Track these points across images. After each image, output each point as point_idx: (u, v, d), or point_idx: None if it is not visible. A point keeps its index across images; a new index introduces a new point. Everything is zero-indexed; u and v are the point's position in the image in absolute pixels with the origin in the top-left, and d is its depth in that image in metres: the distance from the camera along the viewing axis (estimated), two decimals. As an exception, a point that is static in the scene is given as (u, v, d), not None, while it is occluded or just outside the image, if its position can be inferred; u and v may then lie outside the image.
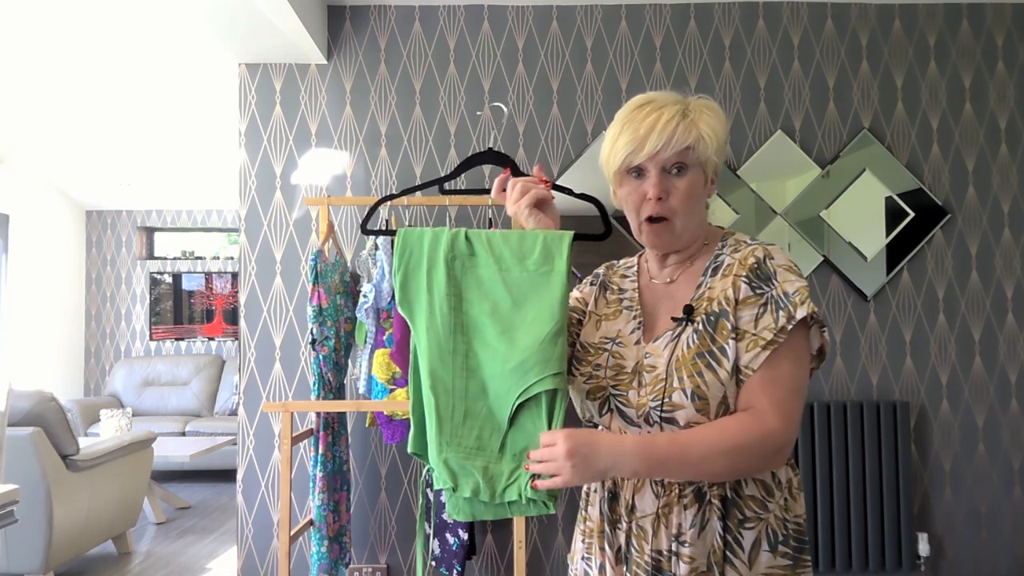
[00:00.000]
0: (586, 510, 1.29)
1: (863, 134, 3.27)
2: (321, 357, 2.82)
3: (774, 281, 1.15)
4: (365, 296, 2.82)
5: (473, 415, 1.22)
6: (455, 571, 2.92)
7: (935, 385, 3.26)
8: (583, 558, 1.28)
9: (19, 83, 4.41)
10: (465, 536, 2.91)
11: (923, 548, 3.15)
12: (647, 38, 3.29)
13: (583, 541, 1.28)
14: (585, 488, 1.31)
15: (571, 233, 1.24)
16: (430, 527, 2.97)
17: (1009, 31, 3.32)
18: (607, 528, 1.22)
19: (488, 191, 1.53)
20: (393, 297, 1.91)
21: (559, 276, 1.22)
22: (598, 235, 1.37)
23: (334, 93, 3.28)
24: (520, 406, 1.20)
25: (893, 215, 3.27)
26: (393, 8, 3.28)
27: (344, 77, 3.28)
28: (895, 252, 3.26)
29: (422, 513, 1.28)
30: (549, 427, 1.18)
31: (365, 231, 1.45)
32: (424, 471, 1.27)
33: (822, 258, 3.25)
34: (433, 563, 2.98)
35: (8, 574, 3.42)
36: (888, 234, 3.26)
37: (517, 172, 1.41)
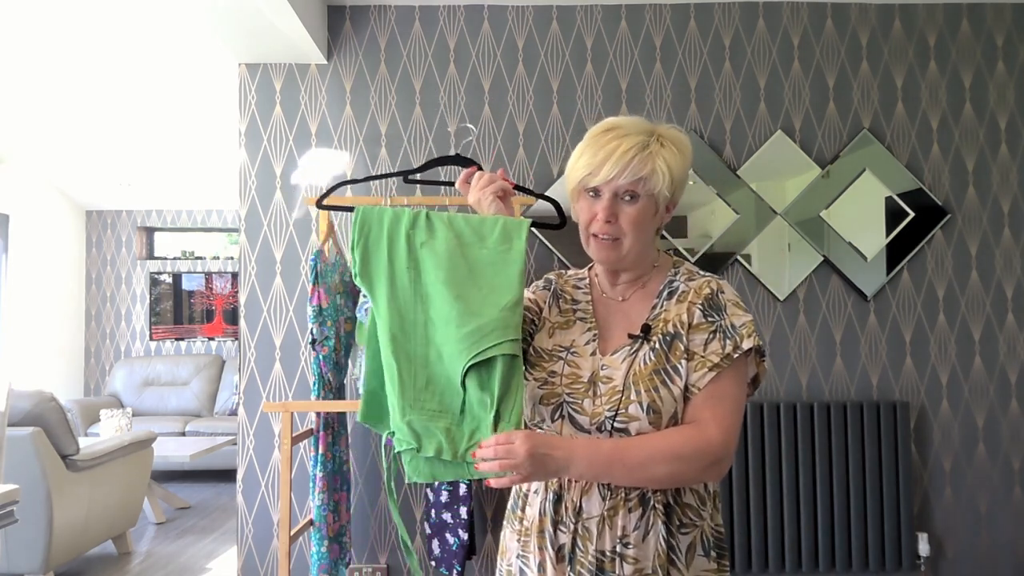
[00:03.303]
0: (523, 510, 1.33)
1: (863, 134, 3.27)
2: (321, 357, 2.82)
3: (724, 313, 1.26)
4: (365, 296, 2.81)
5: (434, 381, 1.27)
6: (455, 571, 2.92)
7: (935, 385, 3.26)
8: (518, 556, 1.31)
9: (19, 83, 4.41)
10: (465, 536, 2.91)
11: (923, 548, 3.15)
12: (647, 38, 3.29)
13: (518, 540, 1.32)
14: (523, 489, 1.34)
15: (529, 220, 1.33)
16: (428, 526, 2.98)
17: (1009, 31, 3.32)
18: (549, 528, 1.26)
19: (452, 183, 1.63)
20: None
21: (518, 254, 1.30)
22: (555, 225, 1.43)
23: (334, 93, 3.28)
24: (470, 369, 1.23)
25: (893, 215, 3.27)
26: (393, 8, 3.28)
27: (344, 77, 3.28)
28: (895, 252, 3.26)
29: (389, 477, 1.36)
30: (495, 393, 1.22)
31: (320, 205, 1.52)
32: (383, 437, 1.33)
33: (822, 258, 3.25)
34: (433, 563, 2.98)
35: (8, 574, 3.42)
36: (888, 234, 3.26)
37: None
